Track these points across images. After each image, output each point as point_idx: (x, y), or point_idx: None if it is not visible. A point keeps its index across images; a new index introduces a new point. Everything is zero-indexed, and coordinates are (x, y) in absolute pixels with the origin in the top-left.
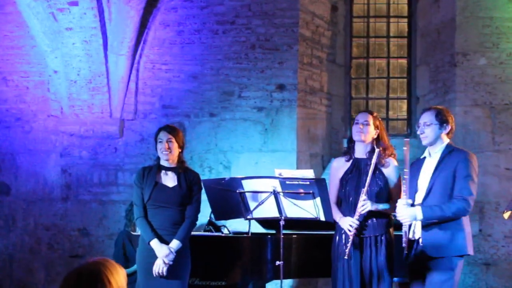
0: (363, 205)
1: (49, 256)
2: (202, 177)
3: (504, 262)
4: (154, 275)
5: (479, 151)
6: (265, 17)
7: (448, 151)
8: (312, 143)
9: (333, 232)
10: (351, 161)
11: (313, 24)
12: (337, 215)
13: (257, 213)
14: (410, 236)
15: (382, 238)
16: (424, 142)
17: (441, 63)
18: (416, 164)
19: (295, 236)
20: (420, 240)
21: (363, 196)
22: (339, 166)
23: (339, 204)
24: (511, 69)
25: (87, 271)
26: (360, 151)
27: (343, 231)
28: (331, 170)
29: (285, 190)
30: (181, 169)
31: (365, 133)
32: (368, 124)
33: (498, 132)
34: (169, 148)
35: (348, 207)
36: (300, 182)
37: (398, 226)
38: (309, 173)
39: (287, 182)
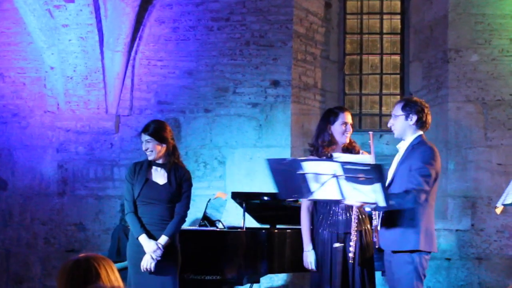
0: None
1: (45, 250)
2: (197, 173)
3: (496, 256)
4: (142, 271)
5: (471, 146)
6: (260, 14)
7: (414, 144)
8: (306, 139)
9: None
10: (328, 159)
11: (307, 21)
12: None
13: (319, 195)
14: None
15: (366, 232)
16: (395, 135)
17: (433, 60)
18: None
19: (289, 231)
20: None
21: None
22: None
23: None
24: (503, 66)
25: (84, 264)
26: (337, 149)
27: (325, 230)
28: None
29: (345, 174)
30: (170, 164)
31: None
32: (352, 124)
33: (490, 128)
34: (147, 149)
35: (326, 205)
36: (359, 167)
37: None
38: (368, 158)
39: (347, 167)
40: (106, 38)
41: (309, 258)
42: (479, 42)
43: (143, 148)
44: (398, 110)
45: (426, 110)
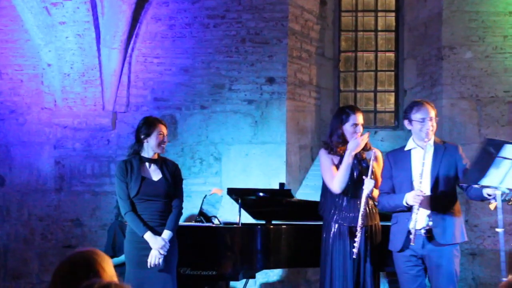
0: (369, 185)
1: (42, 246)
2: (193, 169)
3: (490, 252)
4: (149, 267)
5: (465, 143)
6: (255, 11)
7: (439, 142)
8: (301, 135)
9: (322, 223)
10: (340, 155)
11: (302, 18)
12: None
13: (485, 181)
14: (411, 226)
15: (376, 228)
16: (431, 136)
17: (428, 57)
18: (400, 155)
19: (285, 226)
20: (423, 230)
21: (368, 181)
22: (332, 157)
23: (326, 194)
24: (497, 63)
25: (80, 259)
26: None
27: (337, 224)
28: (324, 156)
29: None
30: (160, 159)
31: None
32: (363, 124)
33: (484, 124)
34: (165, 142)
35: (337, 197)
36: None
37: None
38: None
39: None
40: (103, 35)
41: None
42: (473, 40)
43: (161, 141)
44: (433, 113)
45: None
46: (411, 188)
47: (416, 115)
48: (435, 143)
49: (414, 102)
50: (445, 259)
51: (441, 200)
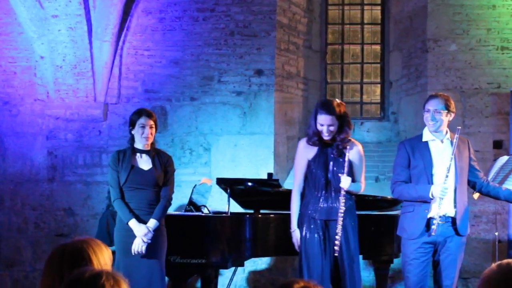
0: (345, 182)
1: (35, 235)
2: (183, 159)
3: (474, 241)
4: (133, 254)
5: None
6: (244, 5)
7: (455, 136)
8: (289, 126)
9: None
10: (318, 146)
11: (290, 11)
12: (295, 205)
13: None
14: (433, 215)
15: (353, 220)
16: (433, 128)
17: (413, 49)
18: (418, 145)
19: (273, 215)
20: (438, 219)
21: (344, 178)
22: (308, 148)
23: (305, 185)
24: (481, 55)
25: (70, 248)
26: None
27: (312, 225)
28: (299, 150)
29: None
30: (154, 151)
31: (333, 132)
32: (332, 125)
33: (468, 116)
34: (151, 134)
35: (314, 189)
36: None
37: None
38: None
39: None
40: (95, 28)
41: (294, 237)
42: (457, 32)
43: (143, 133)
44: (441, 106)
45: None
46: (429, 179)
47: (425, 105)
48: (450, 136)
49: (431, 94)
50: (457, 247)
51: (460, 192)
